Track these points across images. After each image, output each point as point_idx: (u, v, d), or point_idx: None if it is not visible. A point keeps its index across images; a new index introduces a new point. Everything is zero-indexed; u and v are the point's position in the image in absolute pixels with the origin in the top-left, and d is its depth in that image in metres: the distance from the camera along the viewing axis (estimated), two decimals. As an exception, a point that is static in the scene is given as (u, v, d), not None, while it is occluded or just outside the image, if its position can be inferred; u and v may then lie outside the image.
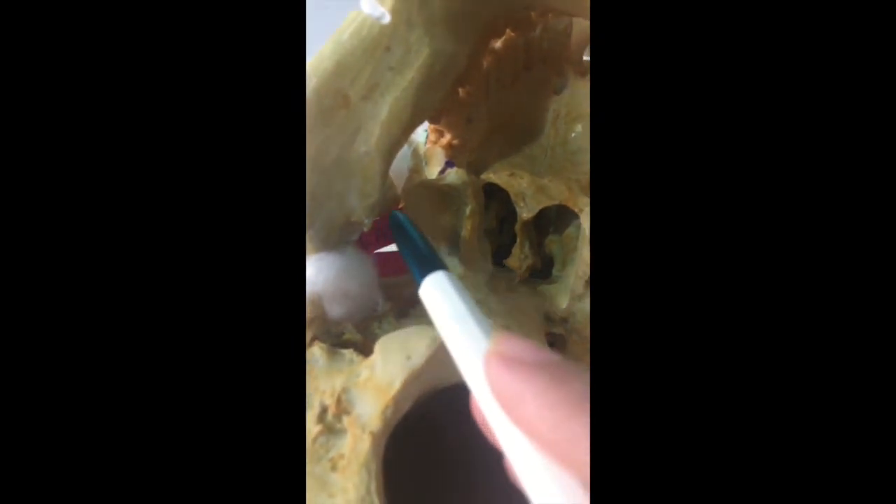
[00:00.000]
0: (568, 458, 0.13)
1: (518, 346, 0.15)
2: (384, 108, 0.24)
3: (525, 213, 0.28)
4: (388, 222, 0.26)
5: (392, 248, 0.31)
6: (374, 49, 0.23)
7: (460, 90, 0.28)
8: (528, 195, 0.28)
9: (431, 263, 0.20)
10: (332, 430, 0.23)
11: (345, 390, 0.23)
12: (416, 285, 0.20)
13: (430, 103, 0.25)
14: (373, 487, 0.21)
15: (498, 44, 0.29)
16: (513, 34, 0.29)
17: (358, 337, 0.27)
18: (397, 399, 0.22)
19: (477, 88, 0.28)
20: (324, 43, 0.23)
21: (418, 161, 0.32)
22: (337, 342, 0.26)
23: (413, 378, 0.22)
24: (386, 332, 0.27)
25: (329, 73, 0.23)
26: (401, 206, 0.30)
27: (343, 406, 0.23)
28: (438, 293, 0.19)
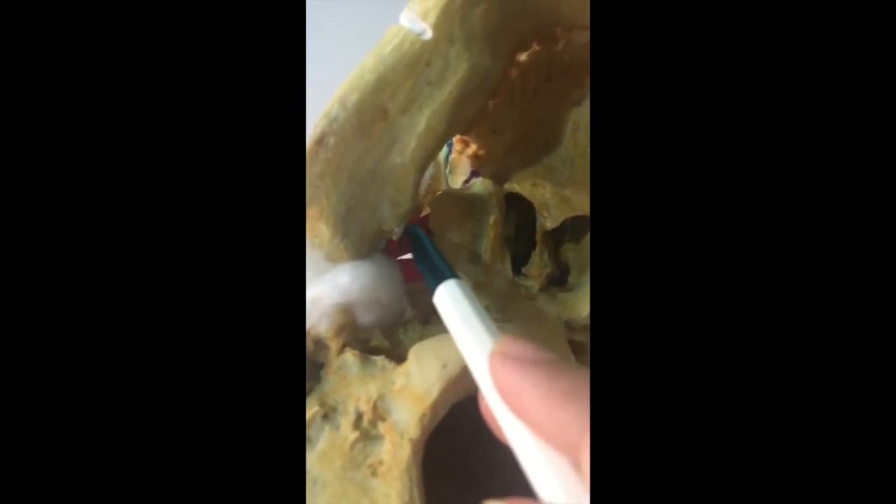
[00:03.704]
0: (561, 441, 0.15)
1: (519, 346, 0.17)
2: (421, 122, 0.24)
3: (549, 223, 0.29)
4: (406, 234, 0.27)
5: (413, 254, 0.31)
6: (414, 64, 0.23)
7: (490, 102, 0.28)
8: (552, 206, 0.29)
9: (444, 273, 0.22)
10: (368, 437, 0.23)
11: (380, 397, 0.24)
12: (431, 293, 0.22)
13: (464, 116, 0.25)
14: (415, 493, 0.21)
15: (523, 56, 0.29)
16: (538, 48, 0.29)
17: (385, 343, 0.27)
18: (434, 407, 0.23)
19: (503, 100, 0.29)
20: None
21: (438, 169, 0.33)
22: (364, 348, 0.27)
23: (450, 387, 0.23)
24: (411, 338, 0.28)
25: (370, 87, 0.23)
26: (423, 213, 0.30)
27: (379, 413, 0.24)
28: (450, 300, 0.21)
